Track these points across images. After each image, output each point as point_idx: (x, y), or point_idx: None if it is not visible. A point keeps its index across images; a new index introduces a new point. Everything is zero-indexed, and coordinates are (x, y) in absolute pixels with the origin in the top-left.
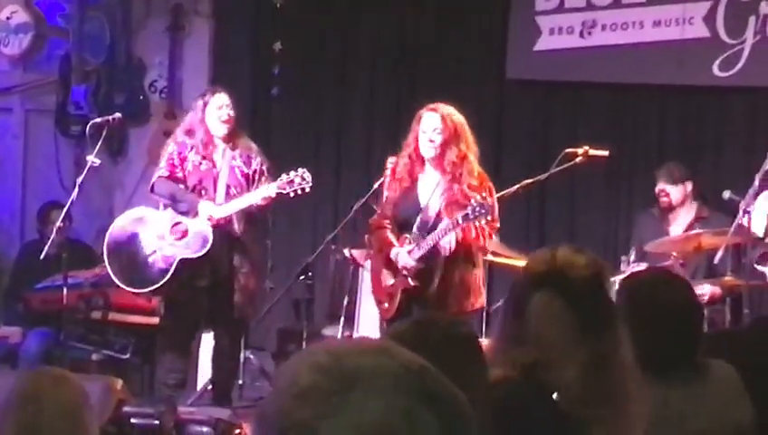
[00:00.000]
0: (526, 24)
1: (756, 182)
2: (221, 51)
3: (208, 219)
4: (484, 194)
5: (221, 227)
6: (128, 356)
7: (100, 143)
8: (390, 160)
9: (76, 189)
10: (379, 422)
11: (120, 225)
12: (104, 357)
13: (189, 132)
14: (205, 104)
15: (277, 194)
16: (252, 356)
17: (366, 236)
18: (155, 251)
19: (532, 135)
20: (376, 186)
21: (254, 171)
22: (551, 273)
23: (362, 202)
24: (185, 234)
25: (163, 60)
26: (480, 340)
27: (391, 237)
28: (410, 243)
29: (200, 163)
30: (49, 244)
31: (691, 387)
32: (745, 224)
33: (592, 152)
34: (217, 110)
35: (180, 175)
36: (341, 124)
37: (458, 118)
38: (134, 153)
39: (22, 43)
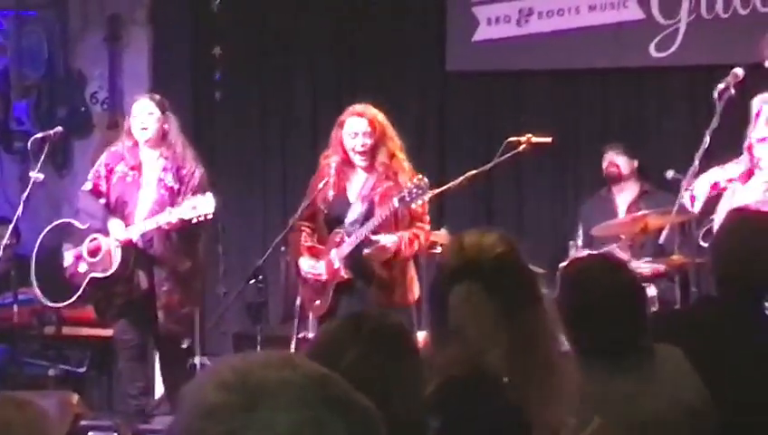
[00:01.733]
0: (464, 15)
1: (696, 161)
2: (161, 58)
3: (116, 240)
4: (420, 176)
5: (135, 246)
6: (84, 370)
7: (42, 158)
8: (334, 160)
9: (21, 206)
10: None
11: (47, 235)
12: (61, 372)
13: (121, 142)
14: (128, 113)
15: (179, 220)
16: (208, 362)
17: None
18: (71, 266)
19: (475, 126)
20: (321, 185)
21: (184, 184)
22: (463, 264)
23: (307, 204)
24: (96, 251)
25: (103, 71)
26: (413, 333)
27: (303, 242)
28: (341, 237)
29: (125, 175)
30: None
31: (639, 371)
32: (688, 202)
33: (535, 140)
34: (138, 115)
35: (104, 188)
36: (286, 126)
37: (383, 118)
38: (79, 166)
39: None
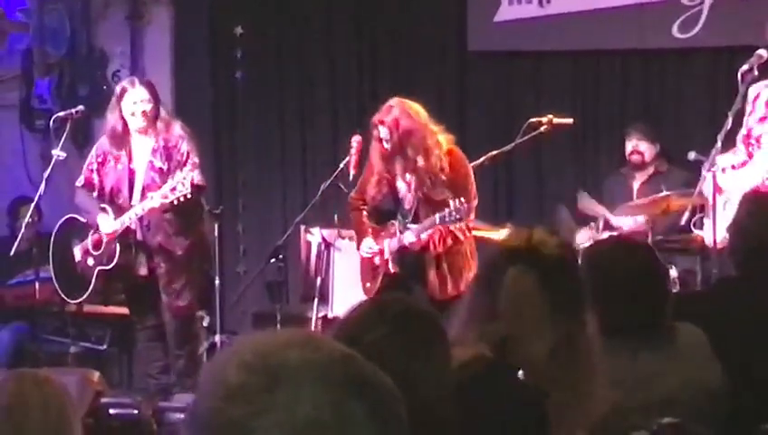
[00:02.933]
0: None
1: (719, 143)
2: (182, 37)
3: (105, 234)
4: (462, 199)
5: (127, 234)
6: (105, 347)
7: (64, 137)
8: (355, 139)
9: (43, 184)
10: (310, 416)
11: (58, 232)
12: (81, 349)
13: (110, 129)
14: (118, 97)
15: (161, 203)
16: (227, 340)
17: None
18: (81, 261)
19: (496, 106)
20: (342, 165)
21: (173, 160)
22: (526, 249)
23: (329, 182)
24: (99, 244)
25: (125, 49)
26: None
27: (366, 222)
28: (396, 229)
29: (116, 163)
30: (19, 239)
31: (660, 351)
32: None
33: (556, 121)
34: (132, 105)
35: (96, 180)
36: (306, 105)
37: (406, 123)
38: None
39: None
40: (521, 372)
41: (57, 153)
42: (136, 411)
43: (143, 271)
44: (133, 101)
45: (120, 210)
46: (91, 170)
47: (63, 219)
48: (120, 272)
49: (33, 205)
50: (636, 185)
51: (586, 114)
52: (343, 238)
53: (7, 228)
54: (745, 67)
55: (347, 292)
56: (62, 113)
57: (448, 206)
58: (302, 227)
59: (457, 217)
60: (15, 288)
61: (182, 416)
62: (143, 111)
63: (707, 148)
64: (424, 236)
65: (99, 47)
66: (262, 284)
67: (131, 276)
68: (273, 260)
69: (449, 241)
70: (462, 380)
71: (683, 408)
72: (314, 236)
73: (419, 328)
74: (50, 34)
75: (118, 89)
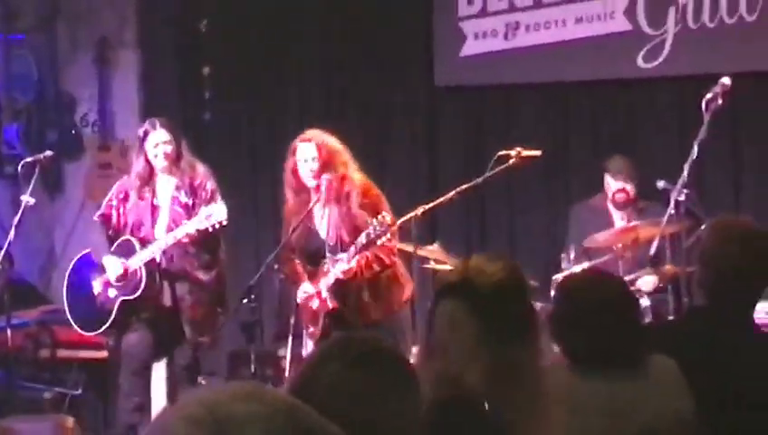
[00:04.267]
0: (451, 30)
1: (686, 172)
2: (150, 80)
3: (116, 278)
4: (384, 214)
5: (154, 265)
6: (80, 392)
7: (33, 182)
8: (325, 177)
9: (12, 230)
10: None
11: (73, 269)
12: (56, 395)
13: (135, 171)
14: (141, 140)
15: (197, 230)
16: (203, 382)
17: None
18: (101, 294)
19: (465, 140)
20: (312, 204)
21: (198, 196)
22: (459, 282)
23: (300, 222)
24: (124, 275)
25: (92, 93)
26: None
27: (300, 269)
28: (327, 267)
29: (139, 198)
30: None
31: (634, 381)
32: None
33: (525, 153)
34: (154, 147)
35: (115, 216)
36: (275, 144)
37: (332, 143)
38: (71, 188)
39: None
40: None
41: (26, 199)
42: None
43: (167, 301)
44: (155, 143)
45: (142, 243)
46: (111, 206)
47: (78, 257)
48: (144, 302)
49: (2, 251)
50: (619, 224)
51: (555, 145)
52: None
53: None
54: (709, 95)
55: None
56: (30, 158)
57: (360, 222)
58: (275, 267)
59: (382, 230)
60: None
61: None
62: (165, 153)
63: (675, 176)
64: (353, 263)
65: (66, 91)
66: (237, 323)
67: (155, 307)
68: (245, 300)
69: (375, 267)
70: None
71: None
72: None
73: (381, 364)
74: (17, 80)
75: (140, 132)
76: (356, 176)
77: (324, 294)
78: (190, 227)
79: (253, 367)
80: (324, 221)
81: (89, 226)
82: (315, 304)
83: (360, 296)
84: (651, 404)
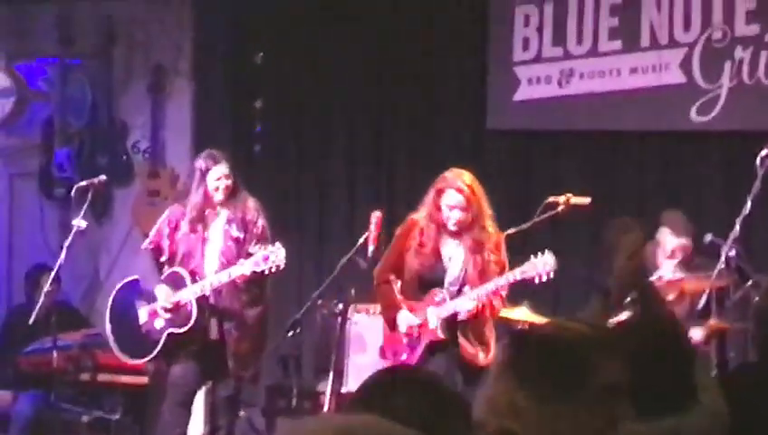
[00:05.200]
0: (505, 75)
1: (737, 226)
2: (203, 110)
3: (164, 309)
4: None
5: (204, 300)
6: (118, 416)
7: (86, 206)
8: (375, 214)
9: (63, 253)
10: None
11: (118, 293)
12: (94, 418)
13: (186, 199)
14: (203, 173)
15: (252, 272)
16: (242, 412)
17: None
18: (147, 322)
19: (513, 185)
20: (361, 241)
21: (249, 232)
22: (535, 340)
23: (347, 258)
24: (174, 308)
25: (145, 120)
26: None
27: (397, 296)
28: (443, 297)
29: (191, 231)
30: (38, 307)
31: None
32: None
33: (574, 200)
34: (215, 180)
35: (165, 245)
36: (324, 180)
37: (479, 191)
38: (119, 214)
39: (4, 107)
40: None
41: (77, 222)
42: None
43: (214, 335)
44: (218, 176)
45: (192, 275)
46: (161, 235)
47: (124, 281)
48: (192, 334)
49: (52, 273)
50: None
51: (604, 194)
52: (359, 313)
53: (24, 296)
54: (764, 152)
55: (362, 366)
56: (83, 182)
57: (490, 274)
58: (319, 301)
59: (538, 272)
60: (32, 356)
61: None
62: (226, 186)
63: (722, 231)
64: (476, 303)
65: (119, 118)
66: (276, 356)
67: (199, 338)
68: (289, 334)
69: (497, 304)
70: None
71: None
72: (331, 310)
73: (439, 405)
74: (71, 104)
75: (202, 164)
76: (492, 230)
77: (434, 324)
78: (246, 268)
79: (294, 402)
80: (456, 257)
81: (134, 252)
82: (416, 331)
83: (467, 333)
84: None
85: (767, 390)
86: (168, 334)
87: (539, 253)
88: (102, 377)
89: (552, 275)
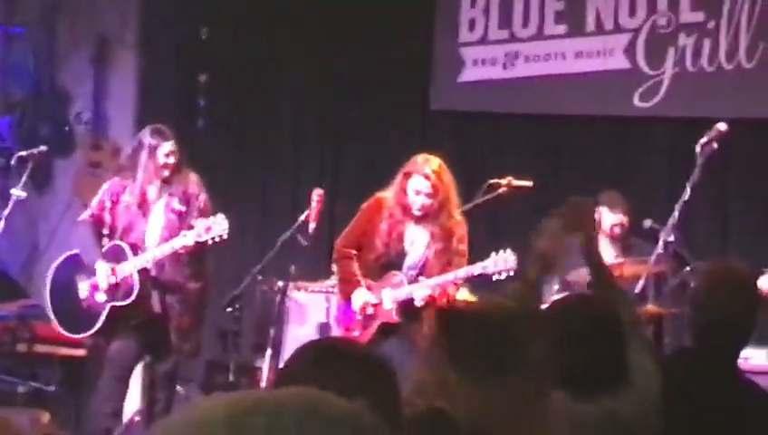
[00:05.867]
0: (450, 56)
1: (676, 213)
2: (146, 82)
3: (107, 284)
4: (509, 251)
5: (146, 273)
6: (54, 388)
7: (26, 176)
8: (316, 192)
9: (2, 223)
10: None
11: (58, 268)
12: (31, 390)
13: (127, 172)
14: (152, 149)
15: (195, 242)
16: (179, 387)
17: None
18: (87, 297)
19: (456, 166)
20: (302, 218)
21: (191, 205)
22: (466, 316)
23: (288, 234)
24: (115, 282)
25: (88, 91)
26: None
27: (357, 272)
28: (400, 280)
29: (131, 204)
30: None
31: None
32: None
33: (516, 183)
34: (164, 157)
35: (107, 218)
36: (267, 157)
37: (447, 179)
38: (60, 185)
39: None
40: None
41: (16, 192)
42: None
43: (157, 308)
44: (166, 153)
45: (133, 248)
46: (103, 208)
47: (64, 256)
48: (134, 308)
49: None
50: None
51: (545, 178)
52: (300, 290)
53: None
54: (704, 139)
55: (300, 341)
56: (24, 152)
57: (451, 264)
58: (259, 277)
59: (504, 267)
60: None
61: None
62: (173, 162)
63: (663, 216)
64: (437, 290)
65: (62, 87)
66: (215, 332)
67: (141, 312)
68: (228, 309)
69: (453, 292)
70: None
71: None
72: (271, 286)
73: (365, 372)
74: (13, 73)
75: (150, 141)
76: (457, 219)
77: (389, 305)
78: (189, 239)
79: (231, 377)
80: (418, 241)
81: (74, 223)
82: (370, 310)
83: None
84: (635, 406)
85: (701, 374)
86: (110, 308)
87: (500, 250)
88: (39, 348)
89: (511, 274)
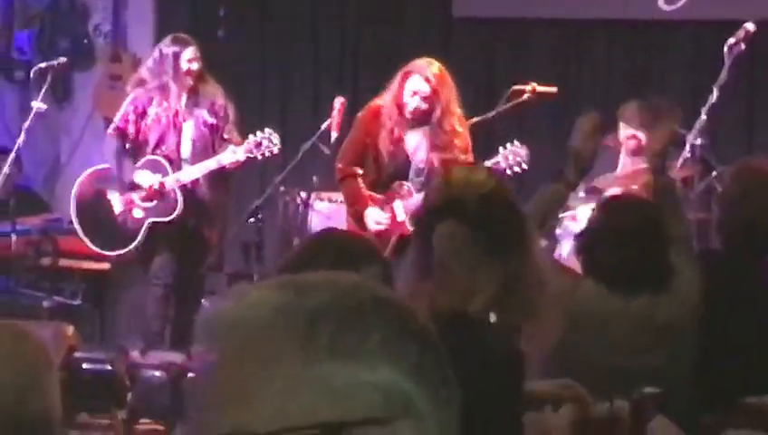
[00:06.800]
0: None
1: (703, 116)
2: None
3: (147, 197)
4: (516, 142)
5: (185, 186)
6: (79, 302)
7: (45, 88)
8: (338, 100)
9: (22, 136)
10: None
11: (86, 182)
12: (55, 303)
13: (151, 83)
14: (176, 56)
15: (246, 158)
16: (203, 300)
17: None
18: (123, 212)
19: (479, 73)
20: (323, 127)
21: (219, 118)
22: (448, 202)
23: (310, 144)
24: (154, 195)
25: (107, 3)
26: None
27: (364, 190)
28: (408, 190)
29: (161, 117)
30: None
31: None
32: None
33: (540, 89)
34: (188, 63)
35: (132, 131)
36: (287, 66)
37: (448, 85)
38: (79, 98)
39: None
40: (492, 319)
41: (37, 105)
42: (109, 367)
43: (191, 222)
44: (189, 58)
45: (169, 161)
46: (127, 121)
47: (90, 171)
48: (172, 223)
49: (11, 156)
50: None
51: (570, 83)
52: (322, 200)
53: None
54: (732, 40)
55: None
56: (43, 64)
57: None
58: (281, 188)
59: (516, 160)
60: None
61: (156, 374)
62: (197, 70)
63: (691, 121)
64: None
65: (81, 0)
66: (237, 244)
67: (182, 228)
68: (251, 220)
69: None
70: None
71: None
72: (293, 196)
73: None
74: None
75: (173, 48)
76: (458, 128)
77: (402, 217)
78: (240, 154)
79: None
80: (421, 145)
81: (96, 136)
82: (384, 226)
83: None
84: (670, 312)
85: (730, 274)
86: (151, 223)
87: (508, 144)
88: (63, 262)
89: (524, 167)
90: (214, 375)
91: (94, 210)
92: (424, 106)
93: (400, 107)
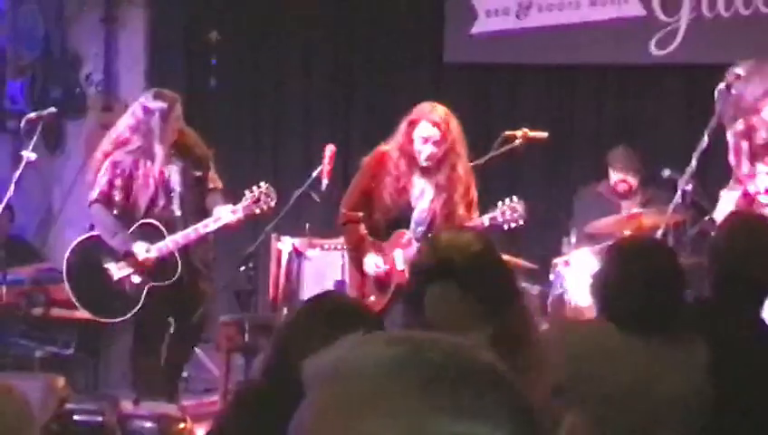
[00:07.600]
0: (462, 7)
1: (694, 161)
2: (156, 41)
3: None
4: (515, 199)
5: (181, 247)
6: (71, 352)
7: (35, 138)
8: (329, 148)
9: (12, 186)
10: None
11: (79, 249)
12: (47, 354)
13: (135, 143)
14: (163, 115)
15: (245, 215)
16: (199, 351)
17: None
18: (122, 280)
19: (470, 119)
20: (314, 175)
21: (205, 169)
22: (437, 264)
23: (301, 191)
24: (153, 261)
25: (98, 51)
26: None
27: (366, 236)
28: (408, 240)
29: (148, 178)
30: None
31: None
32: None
33: (531, 134)
34: (177, 120)
35: (119, 197)
36: (279, 113)
37: (454, 127)
38: (72, 147)
39: None
40: None
41: (27, 154)
42: (100, 418)
43: (185, 276)
44: (178, 115)
45: (162, 222)
46: (112, 186)
47: (84, 237)
48: (173, 286)
49: (1, 206)
50: (624, 211)
51: (561, 128)
52: (314, 248)
53: None
54: (722, 85)
55: None
56: (33, 114)
57: (458, 218)
58: (273, 236)
59: (514, 216)
60: None
61: (147, 424)
62: (180, 128)
63: (681, 165)
64: None
65: (72, 49)
66: (230, 291)
67: (179, 285)
68: (243, 268)
69: None
70: None
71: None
72: (285, 244)
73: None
74: (23, 35)
75: (159, 107)
76: (463, 171)
77: (401, 266)
78: (239, 213)
79: (246, 336)
80: (424, 195)
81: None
82: (382, 271)
83: None
84: (678, 375)
85: (720, 324)
86: (150, 288)
87: (507, 199)
88: (55, 312)
89: (520, 223)
90: (324, 423)
91: (90, 281)
92: (436, 151)
93: (410, 157)
